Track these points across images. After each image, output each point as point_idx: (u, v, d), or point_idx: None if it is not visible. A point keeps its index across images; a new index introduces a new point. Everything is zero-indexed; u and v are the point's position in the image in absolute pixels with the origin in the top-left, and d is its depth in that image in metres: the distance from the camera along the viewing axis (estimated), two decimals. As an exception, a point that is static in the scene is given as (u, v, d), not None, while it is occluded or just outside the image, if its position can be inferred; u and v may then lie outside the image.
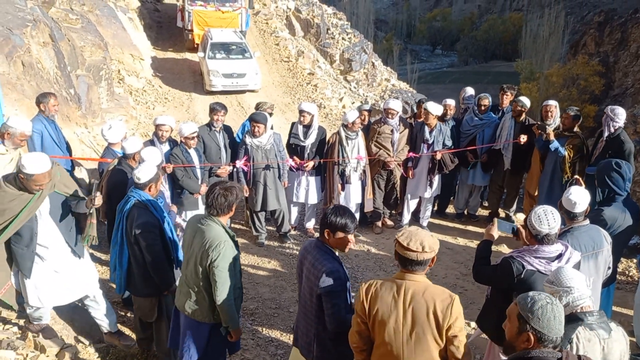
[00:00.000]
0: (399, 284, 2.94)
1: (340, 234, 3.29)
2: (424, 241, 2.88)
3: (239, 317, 3.86)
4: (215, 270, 3.58)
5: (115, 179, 4.95)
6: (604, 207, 4.30)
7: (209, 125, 6.81)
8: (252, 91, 15.34)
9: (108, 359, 4.46)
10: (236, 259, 3.72)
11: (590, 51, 34.98)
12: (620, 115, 6.04)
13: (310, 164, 6.97)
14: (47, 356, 4.05)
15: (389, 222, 7.74)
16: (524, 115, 7.09)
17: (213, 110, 6.76)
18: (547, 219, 3.27)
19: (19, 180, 3.87)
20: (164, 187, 4.99)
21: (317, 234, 3.49)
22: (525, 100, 7.17)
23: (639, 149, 19.81)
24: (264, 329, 5.44)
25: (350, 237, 3.33)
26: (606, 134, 6.09)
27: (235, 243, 3.77)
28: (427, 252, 2.88)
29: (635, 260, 6.38)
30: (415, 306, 2.86)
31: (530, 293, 2.50)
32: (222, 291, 3.61)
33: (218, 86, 14.75)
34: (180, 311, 3.90)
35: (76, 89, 9.64)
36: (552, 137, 6.48)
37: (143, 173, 4.15)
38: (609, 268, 3.94)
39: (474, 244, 7.23)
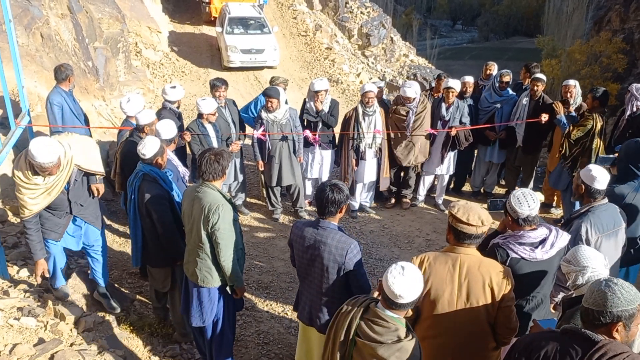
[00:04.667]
0: (454, 257, 3.01)
1: (344, 207, 3.40)
2: (482, 215, 2.98)
3: (242, 276, 4.00)
4: (217, 233, 3.69)
5: (128, 150, 5.00)
6: (616, 184, 4.24)
7: None
8: (271, 67, 15.18)
9: (125, 327, 4.56)
10: (236, 220, 3.85)
11: (615, 28, 34.03)
12: (645, 94, 5.91)
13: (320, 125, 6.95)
14: (67, 324, 4.15)
15: (405, 200, 7.71)
16: (540, 93, 6.97)
17: (214, 86, 6.74)
18: (527, 200, 3.23)
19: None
20: (176, 161, 5.03)
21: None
22: (542, 77, 7.05)
23: (662, 128, 19.25)
24: (278, 302, 5.52)
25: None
26: (628, 112, 5.97)
27: (233, 205, 3.85)
28: (485, 226, 2.98)
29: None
30: (472, 279, 2.95)
31: None
32: (227, 252, 3.75)
33: (236, 62, 14.58)
34: (189, 280, 4.01)
35: (94, 62, 9.67)
36: (561, 111, 6.43)
37: (147, 148, 4.21)
38: (624, 246, 3.91)
39: (491, 220, 7.19)
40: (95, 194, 4.50)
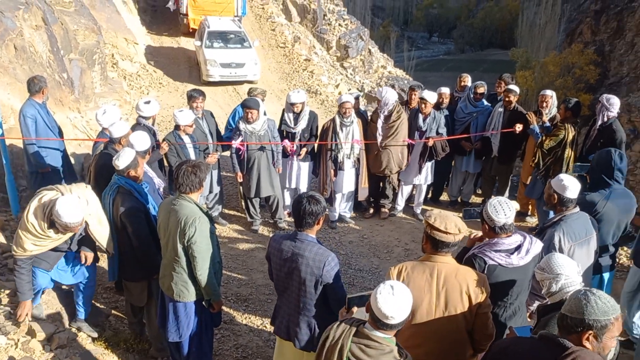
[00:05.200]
0: (431, 266, 3.03)
1: (322, 218, 3.40)
2: (458, 223, 3.01)
3: (219, 290, 3.96)
4: (193, 246, 3.66)
5: (102, 163, 4.93)
6: (587, 192, 4.33)
7: None
8: (251, 82, 14.94)
9: (100, 343, 4.47)
10: (212, 233, 3.82)
11: (586, 40, 34.89)
12: (614, 105, 6.06)
13: (304, 151, 6.95)
14: (39, 340, 4.05)
15: (384, 210, 7.74)
16: (514, 104, 7.09)
17: (191, 97, 6.71)
18: (503, 208, 3.27)
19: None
20: (151, 173, 4.98)
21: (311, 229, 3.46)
22: (515, 88, 7.19)
23: (632, 137, 19.90)
24: (257, 315, 5.47)
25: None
26: (599, 122, 6.11)
27: (210, 218, 3.82)
28: (461, 234, 3.01)
29: (625, 248, 6.42)
30: (449, 287, 2.97)
31: None
32: (203, 265, 3.71)
33: (215, 76, 14.27)
34: (165, 294, 3.96)
35: (69, 73, 9.55)
36: (534, 121, 6.56)
37: (121, 159, 4.17)
38: (595, 253, 3.98)
39: (467, 229, 7.26)
40: (82, 261, 4.31)
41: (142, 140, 4.87)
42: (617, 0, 36.72)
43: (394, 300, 2.43)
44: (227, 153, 6.87)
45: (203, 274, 3.72)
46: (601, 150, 4.61)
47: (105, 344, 4.51)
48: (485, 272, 3.25)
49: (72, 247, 4.21)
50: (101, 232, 4.19)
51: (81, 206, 3.85)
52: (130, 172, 4.22)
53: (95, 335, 4.58)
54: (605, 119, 6.08)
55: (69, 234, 4.00)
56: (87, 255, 4.29)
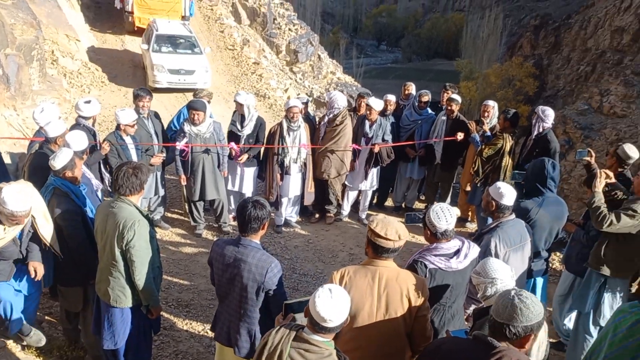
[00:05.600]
0: (373, 270, 3.06)
1: (266, 223, 3.40)
2: (399, 230, 3.04)
3: (158, 295, 3.87)
4: (132, 251, 3.57)
5: (36, 163, 4.73)
6: (522, 200, 4.51)
7: (135, 112, 6.52)
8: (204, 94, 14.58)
9: (31, 351, 4.27)
10: (153, 237, 3.74)
11: (526, 53, 36.45)
12: (549, 117, 6.35)
13: (244, 157, 6.87)
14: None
15: (329, 215, 7.79)
16: (456, 113, 7.32)
17: (137, 96, 6.55)
18: (445, 215, 3.36)
19: None
20: (89, 174, 4.82)
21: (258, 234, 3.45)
22: (457, 98, 7.42)
23: (567, 148, 20.80)
24: (199, 321, 5.38)
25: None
26: (535, 133, 6.38)
27: (150, 221, 3.74)
28: (402, 240, 3.04)
29: (557, 254, 6.72)
30: (390, 291, 3.01)
31: None
32: (141, 270, 3.62)
33: (163, 82, 13.40)
34: (101, 299, 3.84)
35: (5, 69, 9.11)
36: (474, 130, 6.80)
37: (57, 160, 4.04)
38: (530, 259, 4.15)
39: (410, 235, 7.40)
40: (32, 274, 4.00)
41: (79, 140, 4.70)
42: (555, 17, 38.55)
43: (333, 303, 2.45)
44: (162, 155, 6.66)
45: (141, 278, 3.63)
46: (536, 159, 4.82)
47: (37, 352, 4.32)
48: (427, 275, 3.32)
49: (22, 250, 3.93)
50: (47, 229, 3.99)
51: (28, 195, 3.68)
52: (67, 173, 4.07)
53: (43, 342, 4.37)
54: (541, 130, 6.36)
55: (16, 229, 3.78)
56: (37, 267, 4.01)
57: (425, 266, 3.36)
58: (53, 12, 13.92)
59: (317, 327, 2.48)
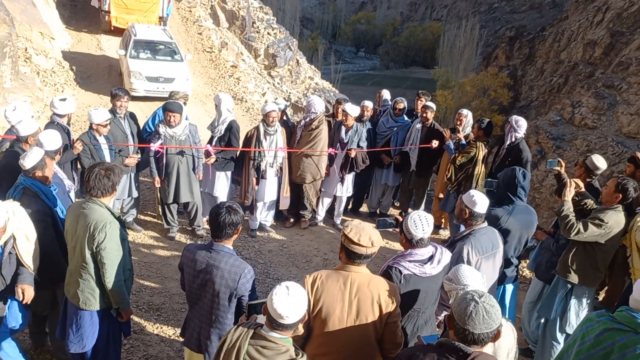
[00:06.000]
0: (345, 276, 3.07)
1: (240, 228, 3.39)
2: (372, 236, 3.06)
3: (129, 298, 3.83)
4: (103, 253, 3.53)
5: (6, 162, 4.64)
6: (492, 208, 4.60)
7: (112, 112, 6.47)
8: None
9: (-4, 355, 4.16)
10: (124, 239, 3.69)
11: (501, 64, 37.14)
12: (522, 127, 6.48)
13: (212, 159, 6.78)
14: None
15: (304, 220, 7.79)
16: (431, 120, 7.41)
17: (115, 96, 6.47)
18: (422, 223, 3.39)
19: None
20: (62, 174, 4.74)
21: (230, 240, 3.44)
22: (432, 105, 7.52)
23: (539, 158, 21.20)
24: (169, 325, 5.31)
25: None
26: (507, 142, 6.51)
27: (122, 223, 3.71)
28: (375, 247, 3.06)
29: (528, 261, 6.84)
30: (361, 297, 3.02)
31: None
32: (112, 273, 3.58)
33: (140, 90, 12.74)
34: (69, 301, 3.77)
35: (-25, 65, 8.91)
36: (448, 137, 6.91)
37: (27, 159, 3.96)
38: (501, 267, 4.22)
39: (383, 241, 7.45)
40: (19, 297, 3.79)
41: (52, 139, 4.62)
42: (530, 29, 39.33)
43: (289, 300, 2.50)
44: (137, 156, 6.58)
45: (112, 281, 3.58)
46: (507, 168, 4.91)
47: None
48: (402, 281, 3.35)
49: (3, 273, 3.72)
50: (28, 249, 3.78)
51: (4, 213, 3.49)
52: (37, 173, 3.99)
53: None
54: (513, 139, 6.49)
55: None
56: (25, 289, 3.78)
57: (400, 272, 3.38)
58: (27, 9, 13.67)
59: (274, 323, 2.53)
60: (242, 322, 2.73)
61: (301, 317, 2.57)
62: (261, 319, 2.77)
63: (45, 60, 13.44)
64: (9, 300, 3.90)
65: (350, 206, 8.36)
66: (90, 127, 6.06)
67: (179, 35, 17.57)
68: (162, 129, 6.44)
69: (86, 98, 12.92)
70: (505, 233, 4.43)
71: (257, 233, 7.39)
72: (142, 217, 7.42)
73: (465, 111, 7.47)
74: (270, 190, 7.14)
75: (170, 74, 13.15)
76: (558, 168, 5.47)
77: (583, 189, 4.94)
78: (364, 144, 7.34)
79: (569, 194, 4.67)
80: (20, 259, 3.74)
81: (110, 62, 15.42)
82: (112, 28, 16.29)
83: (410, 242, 3.43)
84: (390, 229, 3.77)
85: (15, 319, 3.98)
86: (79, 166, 6.20)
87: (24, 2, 13.62)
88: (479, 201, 3.95)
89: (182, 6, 20.18)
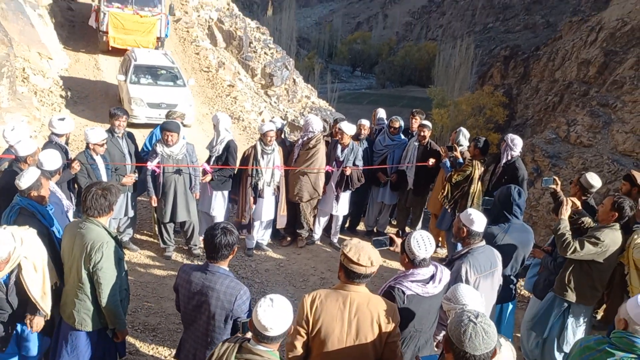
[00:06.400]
0: (344, 295, 3.06)
1: (235, 249, 3.38)
2: (372, 256, 3.06)
3: (125, 319, 3.81)
4: (99, 273, 3.51)
5: (5, 182, 4.64)
6: (488, 226, 4.60)
7: (111, 131, 6.49)
8: (185, 126, 12.38)
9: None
10: (121, 259, 3.69)
11: (496, 83, 37.49)
12: (517, 145, 6.52)
13: (207, 177, 6.78)
14: None
15: (301, 238, 7.77)
16: (427, 139, 7.45)
17: (114, 115, 6.50)
18: (425, 243, 3.38)
19: None
20: (60, 194, 4.73)
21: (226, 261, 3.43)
22: (428, 124, 7.56)
23: (536, 176, 21.25)
24: (165, 345, 5.27)
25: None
26: (504, 160, 6.53)
27: (118, 243, 3.69)
28: (374, 266, 3.05)
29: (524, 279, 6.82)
30: (361, 317, 3.01)
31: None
32: (108, 293, 3.56)
33: (141, 117, 12.26)
34: (64, 322, 3.75)
35: (-28, 85, 8.95)
36: (444, 156, 6.97)
37: (23, 179, 3.96)
38: (500, 286, 4.21)
39: (381, 260, 7.43)
40: (29, 327, 3.71)
41: (52, 159, 4.64)
42: (525, 48, 39.78)
43: (273, 312, 2.51)
44: (134, 176, 6.57)
45: (108, 301, 3.56)
46: (503, 187, 4.92)
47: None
48: (405, 301, 3.33)
49: (10, 299, 3.62)
50: (34, 279, 3.63)
51: (8, 240, 3.38)
52: (32, 193, 3.99)
53: None
54: (509, 158, 6.52)
55: None
56: (33, 319, 3.68)
57: (403, 292, 3.37)
58: (25, 29, 13.76)
59: (259, 336, 2.54)
60: (229, 337, 2.75)
61: (286, 330, 2.58)
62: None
63: (43, 80, 13.50)
64: (20, 326, 3.80)
65: (347, 224, 8.36)
66: (87, 147, 6.07)
67: (176, 56, 17.69)
68: (159, 148, 6.46)
69: (83, 117, 12.95)
70: (501, 251, 4.43)
71: (254, 252, 7.36)
72: (138, 236, 7.39)
73: (459, 129, 7.53)
74: (268, 209, 7.13)
75: (172, 99, 12.58)
76: (554, 186, 5.49)
77: (580, 207, 4.96)
78: (360, 162, 7.36)
79: (566, 212, 4.69)
80: (26, 289, 3.60)
81: (107, 82, 15.50)
82: (110, 48, 16.39)
83: (412, 262, 3.42)
84: (386, 248, 3.77)
85: (30, 345, 3.86)
86: (75, 185, 6.20)
87: (22, 22, 13.72)
88: (477, 220, 3.95)
89: (180, 27, 20.36)
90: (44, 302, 3.68)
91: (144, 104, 12.30)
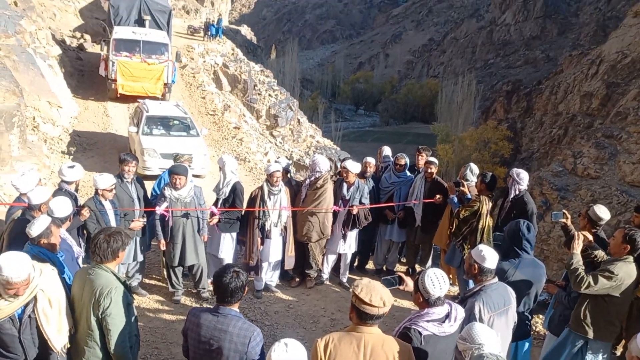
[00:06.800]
0: (358, 337, 3.02)
1: (246, 291, 3.37)
2: (384, 296, 3.02)
3: None
4: (108, 319, 3.48)
5: (18, 230, 4.65)
6: (500, 261, 4.56)
7: (120, 176, 6.57)
8: (198, 176, 12.04)
9: None
10: (130, 304, 3.65)
11: (500, 117, 37.77)
12: (524, 179, 6.51)
13: (215, 219, 6.79)
14: None
15: (309, 279, 7.70)
16: (434, 175, 7.46)
17: (124, 161, 6.59)
18: (439, 282, 3.34)
19: None
20: (71, 241, 4.75)
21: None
22: (435, 160, 7.58)
23: (545, 209, 21.11)
24: (175, 392, 5.17)
25: None
26: (511, 195, 6.51)
27: (127, 288, 3.67)
28: (387, 306, 3.02)
29: (541, 316, 6.70)
30: (376, 359, 2.96)
31: None
32: (117, 340, 3.52)
33: (154, 169, 11.74)
34: None
35: (-16, 135, 9.11)
36: (452, 191, 6.93)
37: (34, 227, 3.98)
38: (515, 323, 4.13)
39: (393, 299, 7.33)
40: None
41: (62, 207, 4.67)
42: (526, 82, 40.21)
43: (288, 356, 2.53)
44: (142, 220, 6.59)
45: (117, 348, 3.52)
46: (512, 221, 4.90)
47: None
48: (423, 342, 3.28)
49: (22, 338, 3.50)
50: (49, 315, 3.52)
51: (28, 263, 3.37)
52: (42, 241, 4.00)
53: None
54: (517, 192, 6.50)
55: (15, 303, 3.40)
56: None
57: (420, 333, 3.32)
58: (36, 79, 14.09)
59: None
60: None
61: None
62: None
63: (53, 128, 13.74)
64: None
65: (356, 263, 8.29)
66: (96, 192, 6.12)
67: (183, 100, 18.02)
68: (167, 192, 6.50)
69: (92, 164, 13.10)
70: (513, 287, 4.38)
71: (263, 293, 7.29)
72: (147, 280, 7.36)
73: (468, 165, 7.53)
74: (275, 249, 7.10)
75: (186, 149, 11.57)
76: (564, 220, 5.45)
77: (592, 241, 4.91)
78: (366, 200, 7.35)
79: (577, 246, 4.64)
80: (40, 326, 3.52)
81: (116, 129, 15.75)
82: (119, 95, 16.73)
83: (427, 302, 3.37)
84: (396, 287, 3.73)
85: None
86: (85, 231, 6.22)
87: (33, 73, 14.06)
88: (489, 256, 3.91)
89: (186, 72, 20.81)
90: (57, 341, 3.57)
91: (157, 154, 12.01)
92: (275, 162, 7.57)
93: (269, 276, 7.36)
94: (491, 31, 71.58)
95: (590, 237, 4.88)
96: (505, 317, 3.97)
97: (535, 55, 59.13)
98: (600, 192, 19.74)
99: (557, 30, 64.97)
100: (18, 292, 3.35)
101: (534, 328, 6.97)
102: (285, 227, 7.08)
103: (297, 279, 7.69)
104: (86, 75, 18.96)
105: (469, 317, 3.76)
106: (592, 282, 4.38)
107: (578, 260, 4.52)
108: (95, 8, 25.45)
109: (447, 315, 3.38)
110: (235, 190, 6.96)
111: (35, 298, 3.49)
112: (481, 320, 3.79)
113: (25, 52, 14.29)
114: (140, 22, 18.82)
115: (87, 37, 22.09)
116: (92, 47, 21.54)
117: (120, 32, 17.46)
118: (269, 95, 24.06)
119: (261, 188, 6.96)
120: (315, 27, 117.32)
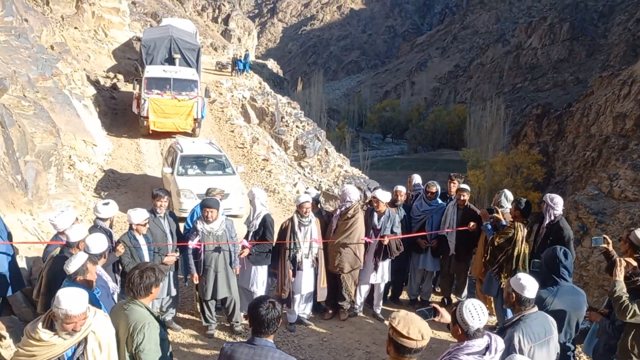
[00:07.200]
0: None
1: (280, 320, 3.32)
2: (422, 328, 2.95)
3: None
4: (141, 355, 3.49)
5: (57, 267, 4.75)
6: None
7: (152, 211, 6.66)
8: (235, 216, 11.50)
9: None
10: (164, 340, 3.65)
11: (531, 141, 37.24)
12: (558, 204, 6.35)
13: (245, 252, 6.80)
14: None
15: (343, 310, 7.61)
16: (466, 202, 7.35)
17: (156, 196, 6.70)
18: (478, 313, 3.26)
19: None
20: (106, 277, 4.82)
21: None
22: (467, 187, 7.48)
23: (582, 234, 20.52)
24: None
25: None
26: (547, 221, 6.35)
27: (162, 324, 3.67)
28: (425, 339, 2.94)
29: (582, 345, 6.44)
30: None
31: None
32: None
33: (190, 209, 11.40)
34: None
35: (23, 175, 9.40)
36: (485, 218, 6.77)
37: (71, 264, 4.05)
38: (557, 354, 3.98)
39: (431, 332, 7.17)
40: None
41: (98, 243, 4.76)
42: (557, 105, 39.71)
43: None
44: (176, 255, 6.64)
45: None
46: (549, 248, 4.77)
47: None
48: None
49: None
50: (98, 359, 3.52)
51: (86, 299, 3.40)
52: (79, 278, 4.07)
53: None
54: (552, 218, 6.34)
55: (69, 341, 3.39)
56: None
57: None
58: (72, 119, 14.58)
59: None
60: None
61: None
62: None
63: (88, 165, 14.13)
64: None
65: (389, 294, 8.16)
66: (130, 227, 6.22)
67: (212, 134, 18.35)
68: (199, 225, 6.56)
69: (126, 200, 13.35)
70: (552, 316, 4.24)
71: (296, 326, 7.22)
72: (180, 315, 7.38)
73: (502, 191, 7.40)
74: (307, 281, 7.05)
75: (223, 189, 11.31)
76: (605, 245, 5.28)
77: (636, 267, 4.73)
78: (397, 229, 7.28)
79: (620, 273, 4.47)
80: None
81: (148, 164, 16.09)
82: (151, 132, 17.16)
83: (466, 334, 3.28)
84: (432, 319, 3.64)
85: None
86: (120, 267, 6.31)
87: (69, 113, 14.55)
88: (528, 285, 3.80)
89: (215, 107, 21.24)
90: None
91: (194, 195, 11.33)
92: (305, 192, 7.60)
93: (302, 308, 7.30)
94: (518, 55, 71.36)
95: (635, 263, 4.71)
96: (546, 348, 3.84)
97: (564, 77, 58.53)
98: (639, 215, 19.12)
99: (585, 52, 64.38)
100: (76, 327, 3.34)
101: (577, 358, 6.70)
102: (317, 259, 7.04)
103: (330, 311, 7.60)
104: (119, 114, 19.53)
105: (509, 348, 3.65)
106: (637, 311, 4.21)
107: (621, 288, 4.36)
108: (127, 49, 26.39)
109: (487, 347, 3.28)
110: (265, 222, 6.98)
111: (86, 339, 3.47)
112: (521, 351, 3.67)
113: (61, 94, 14.83)
114: (170, 61, 19.39)
115: (120, 76, 22.84)
116: (124, 86, 22.25)
117: (152, 70, 18.00)
118: (296, 126, 24.34)
119: (291, 219, 6.97)
120: (340, 58, 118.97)
